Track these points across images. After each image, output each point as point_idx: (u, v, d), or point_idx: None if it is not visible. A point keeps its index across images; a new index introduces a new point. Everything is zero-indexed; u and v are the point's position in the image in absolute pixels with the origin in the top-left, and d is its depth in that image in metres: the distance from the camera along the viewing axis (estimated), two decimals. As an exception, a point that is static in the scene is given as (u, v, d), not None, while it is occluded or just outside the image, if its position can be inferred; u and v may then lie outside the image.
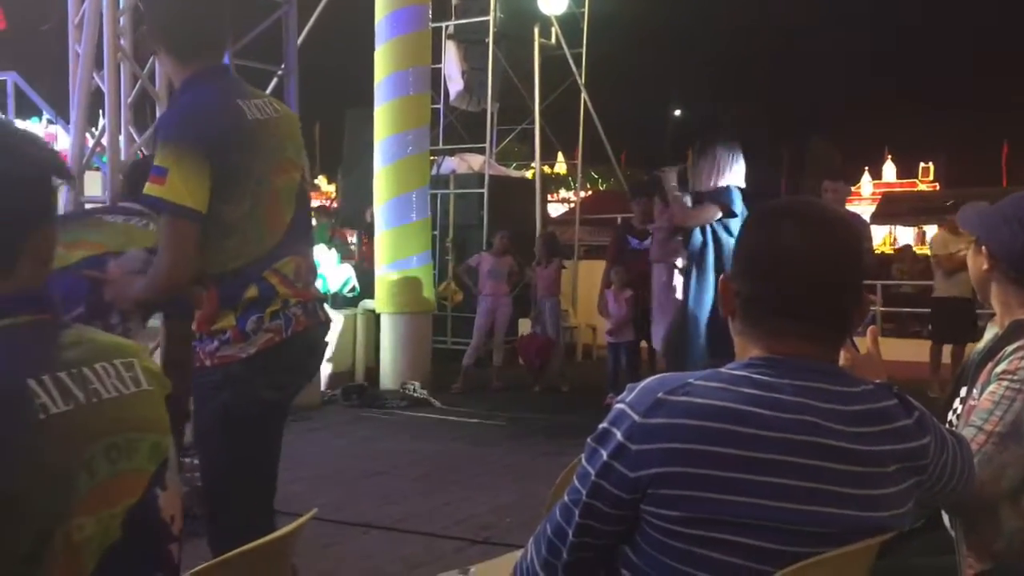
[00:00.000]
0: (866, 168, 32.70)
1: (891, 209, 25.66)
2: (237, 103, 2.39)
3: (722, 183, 5.49)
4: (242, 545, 1.37)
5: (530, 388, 8.39)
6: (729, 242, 5.32)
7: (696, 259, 5.50)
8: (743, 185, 5.52)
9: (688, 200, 5.74)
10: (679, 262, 6.24)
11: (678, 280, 6.30)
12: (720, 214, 5.45)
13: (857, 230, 1.43)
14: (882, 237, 28.18)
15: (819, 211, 1.41)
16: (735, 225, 5.36)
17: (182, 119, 2.39)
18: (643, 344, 7.60)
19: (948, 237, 8.32)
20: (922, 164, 32.98)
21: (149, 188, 2.25)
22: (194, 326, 2.43)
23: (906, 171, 33.35)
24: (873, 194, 31.29)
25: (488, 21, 10.56)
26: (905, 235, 31.27)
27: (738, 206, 5.43)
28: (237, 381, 2.32)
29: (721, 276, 1.43)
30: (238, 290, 2.35)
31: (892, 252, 18.29)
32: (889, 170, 33.67)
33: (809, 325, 1.35)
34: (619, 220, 12.99)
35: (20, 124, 7.13)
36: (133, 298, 2.52)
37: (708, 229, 5.49)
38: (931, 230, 11.00)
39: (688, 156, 5.78)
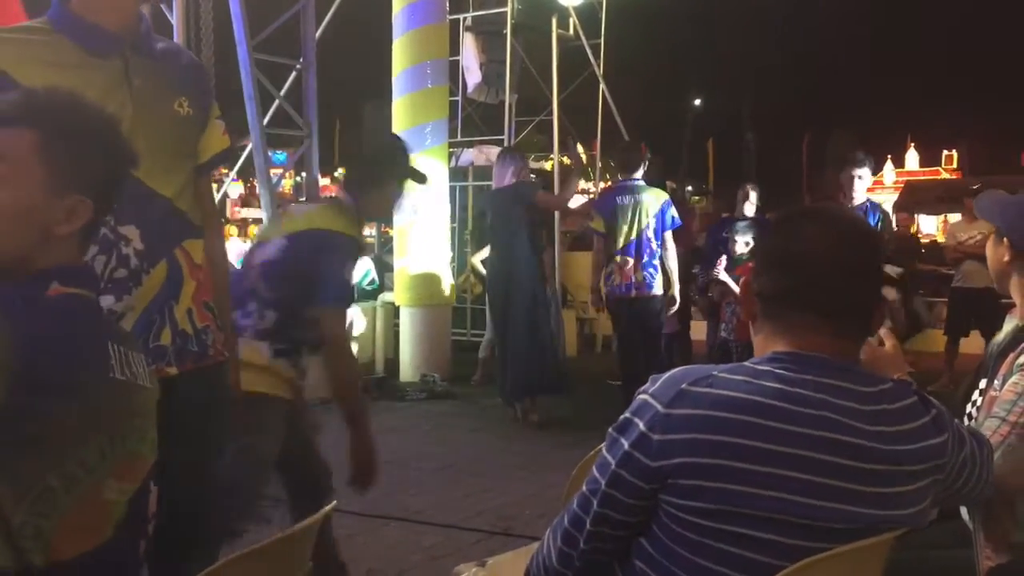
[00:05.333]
0: (888, 157, 32.33)
1: (914, 198, 25.35)
2: None
3: None
4: None
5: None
6: None
7: None
8: None
9: None
10: None
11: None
12: None
13: (876, 231, 1.47)
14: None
15: (836, 212, 1.46)
16: None
17: None
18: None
19: (959, 225, 8.10)
20: (945, 152, 32.58)
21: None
22: None
23: (929, 159, 32.96)
24: (896, 182, 30.93)
25: (506, 12, 10.51)
26: (928, 224, 30.87)
27: None
28: None
29: (742, 280, 1.45)
30: None
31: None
32: (912, 158, 33.27)
33: (830, 321, 1.36)
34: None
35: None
36: None
37: None
38: (955, 218, 10.81)
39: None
